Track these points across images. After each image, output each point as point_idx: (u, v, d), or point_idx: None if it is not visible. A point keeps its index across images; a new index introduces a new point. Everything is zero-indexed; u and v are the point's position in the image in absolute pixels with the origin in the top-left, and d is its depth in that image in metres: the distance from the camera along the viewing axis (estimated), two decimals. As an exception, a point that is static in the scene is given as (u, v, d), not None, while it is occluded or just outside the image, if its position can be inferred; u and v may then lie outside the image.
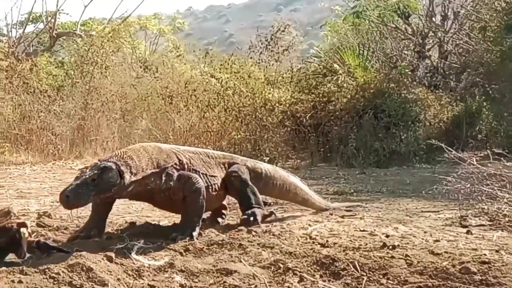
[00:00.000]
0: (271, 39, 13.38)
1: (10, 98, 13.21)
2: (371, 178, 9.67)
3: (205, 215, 5.85)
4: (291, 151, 12.13)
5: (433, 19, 14.17)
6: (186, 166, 5.44)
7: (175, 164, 5.36)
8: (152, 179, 5.17)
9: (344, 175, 10.01)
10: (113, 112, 13.45)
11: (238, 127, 12.24)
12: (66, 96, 13.77)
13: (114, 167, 4.89)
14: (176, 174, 5.30)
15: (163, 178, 5.23)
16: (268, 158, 10.59)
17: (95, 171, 4.82)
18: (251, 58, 13.70)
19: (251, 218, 5.68)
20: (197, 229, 5.22)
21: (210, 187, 5.62)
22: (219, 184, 5.77)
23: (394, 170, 10.55)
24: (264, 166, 6.38)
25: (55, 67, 16.64)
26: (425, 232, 5.61)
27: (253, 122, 12.21)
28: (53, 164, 11.66)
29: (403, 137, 11.35)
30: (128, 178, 4.95)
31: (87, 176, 4.80)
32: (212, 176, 5.70)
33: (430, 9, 14.17)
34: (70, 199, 4.70)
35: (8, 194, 8.22)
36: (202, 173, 5.56)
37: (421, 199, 7.50)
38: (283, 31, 13.48)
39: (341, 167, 10.96)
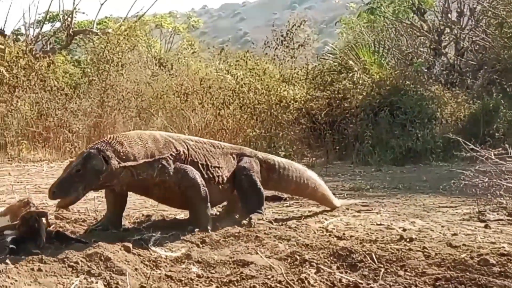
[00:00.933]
0: (287, 34, 13.34)
1: (28, 96, 13.30)
2: (387, 175, 9.62)
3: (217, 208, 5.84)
4: (306, 149, 12.08)
5: (449, 15, 14.04)
6: (183, 157, 5.22)
7: (171, 155, 5.12)
8: (144, 168, 4.94)
9: (360, 172, 9.99)
10: (129, 109, 13.49)
11: (253, 125, 12.23)
12: (83, 94, 13.83)
13: (97, 153, 4.70)
14: (172, 166, 5.08)
15: (156, 169, 5.00)
16: (283, 155, 10.56)
17: (78, 161, 4.69)
18: (266, 54, 13.68)
19: (247, 225, 5.43)
20: (209, 221, 5.14)
21: (212, 179, 5.40)
22: (224, 176, 5.52)
23: (410, 168, 10.49)
24: (277, 158, 6.15)
25: (72, 65, 16.73)
26: (442, 226, 5.58)
27: (268, 120, 12.20)
28: (70, 161, 11.69)
29: (419, 135, 11.24)
30: (115, 163, 4.76)
31: (71, 168, 4.68)
32: (215, 167, 5.45)
33: (446, 5, 14.05)
34: (56, 194, 4.60)
35: (26, 189, 8.27)
36: (202, 164, 5.34)
37: (438, 195, 7.44)
38: (298, 26, 13.43)
39: (356, 165, 10.93)
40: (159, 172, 5.01)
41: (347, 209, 6.53)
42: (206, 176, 5.32)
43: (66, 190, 4.62)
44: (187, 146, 5.32)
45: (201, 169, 5.32)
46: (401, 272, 4.06)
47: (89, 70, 14.84)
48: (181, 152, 5.21)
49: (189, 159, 5.26)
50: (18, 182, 9.03)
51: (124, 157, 4.83)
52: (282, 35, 13.41)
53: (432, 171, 9.91)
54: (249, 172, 5.65)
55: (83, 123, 13.01)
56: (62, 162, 11.45)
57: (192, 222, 5.19)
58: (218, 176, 5.47)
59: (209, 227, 5.05)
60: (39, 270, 3.95)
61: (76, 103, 13.39)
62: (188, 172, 5.12)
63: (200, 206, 5.16)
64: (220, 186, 5.50)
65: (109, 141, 4.86)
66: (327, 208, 6.50)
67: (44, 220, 4.45)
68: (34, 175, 9.98)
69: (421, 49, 14.36)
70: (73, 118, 12.99)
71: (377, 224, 5.65)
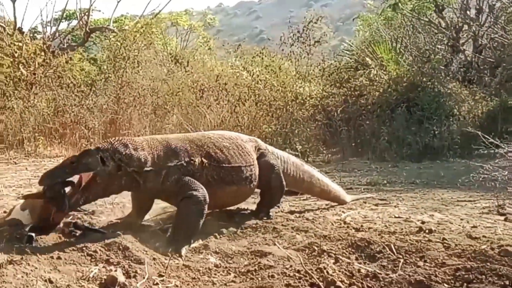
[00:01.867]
0: (303, 30, 13.30)
1: (44, 93, 13.37)
2: (404, 171, 9.52)
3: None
4: (321, 145, 12.02)
5: (468, 12, 13.91)
6: (197, 165, 4.94)
7: (180, 164, 4.86)
8: (149, 176, 4.73)
9: (376, 168, 9.92)
10: (144, 106, 13.51)
11: (269, 121, 12.20)
12: (99, 90, 13.88)
13: (95, 152, 4.54)
14: (176, 176, 4.81)
15: (162, 178, 4.78)
16: (300, 151, 10.54)
17: (77, 154, 4.58)
18: (282, 50, 13.65)
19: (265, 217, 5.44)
20: (188, 245, 4.58)
21: (237, 179, 5.20)
22: (249, 175, 5.32)
23: (427, 164, 10.37)
24: (278, 151, 6.02)
25: (88, 63, 16.80)
26: (461, 219, 5.54)
27: (284, 116, 12.16)
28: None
29: (436, 132, 11.14)
30: (112, 166, 4.57)
31: (67, 159, 4.60)
32: (238, 167, 5.23)
33: (465, 2, 13.92)
34: (44, 180, 4.41)
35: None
36: (222, 166, 5.11)
37: (456, 189, 7.38)
38: (315, 23, 13.38)
39: (373, 161, 10.85)
40: (163, 181, 4.78)
41: (365, 202, 6.50)
42: (229, 177, 5.15)
43: (53, 178, 4.43)
44: (205, 152, 5.06)
45: (222, 171, 5.11)
46: (421, 263, 4.04)
47: (105, 67, 14.88)
48: (196, 161, 4.95)
49: (204, 169, 5.00)
50: (35, 176, 9.05)
51: (126, 161, 4.63)
52: (298, 31, 13.37)
53: (449, 167, 9.80)
54: (278, 170, 5.62)
55: (99, 120, 13.04)
56: (79, 158, 11.49)
57: (170, 238, 4.67)
58: (246, 176, 5.31)
59: (183, 252, 4.45)
60: (59, 258, 4.00)
61: (92, 100, 13.42)
62: (190, 184, 4.79)
63: (187, 225, 4.71)
64: (249, 186, 5.37)
65: (113, 143, 4.67)
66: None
67: (68, 189, 4.44)
68: (51, 170, 10.01)
69: (439, 47, 14.21)
70: (89, 114, 13.03)
71: (395, 217, 5.61)
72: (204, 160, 4.99)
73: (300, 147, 10.20)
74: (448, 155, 10.83)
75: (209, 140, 5.21)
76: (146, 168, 4.71)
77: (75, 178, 4.53)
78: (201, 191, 4.74)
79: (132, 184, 4.72)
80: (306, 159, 10.60)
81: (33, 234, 4.36)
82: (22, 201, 4.79)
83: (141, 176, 4.70)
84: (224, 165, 5.12)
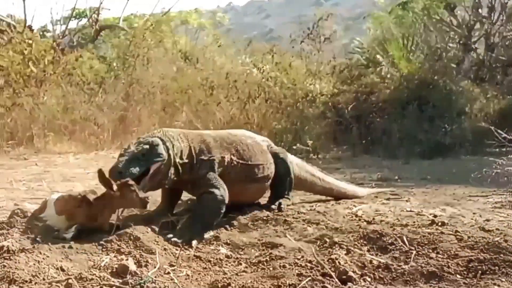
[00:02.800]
0: (313, 27, 13.26)
1: (54, 90, 13.38)
2: (415, 167, 9.50)
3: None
4: (332, 143, 11.99)
5: (480, 10, 13.80)
6: (226, 161, 5.12)
7: (212, 159, 5.01)
8: (185, 168, 4.89)
9: (388, 165, 9.87)
10: (154, 103, 13.51)
11: (279, 118, 12.18)
12: (109, 87, 13.88)
13: (161, 142, 4.72)
14: (205, 170, 4.95)
15: (194, 170, 4.94)
16: (310, 148, 10.55)
17: (143, 146, 4.65)
18: (293, 47, 13.61)
19: (277, 210, 5.44)
20: (199, 238, 4.59)
21: (257, 175, 5.36)
22: (266, 172, 5.47)
23: (439, 161, 10.32)
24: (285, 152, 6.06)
25: (98, 62, 16.79)
26: (474, 213, 5.51)
27: (294, 113, 12.15)
28: (95, 154, 11.76)
29: (448, 129, 11.09)
30: (169, 156, 4.74)
31: (135, 151, 4.63)
32: (258, 164, 5.40)
33: (477, 0, 13.81)
34: (122, 175, 4.49)
35: (54, 178, 8.33)
36: (244, 163, 5.25)
37: (468, 185, 7.29)
38: (325, 20, 13.35)
39: (384, 158, 10.78)
40: (195, 173, 4.94)
41: (376, 197, 6.48)
42: (252, 175, 5.30)
43: (131, 171, 4.54)
44: (234, 150, 5.23)
45: (247, 169, 5.26)
46: (433, 255, 4.02)
47: (115, 64, 14.89)
48: (226, 158, 5.13)
49: (232, 163, 5.17)
50: (45, 171, 9.09)
51: (176, 152, 4.82)
52: (308, 28, 13.33)
53: (461, 164, 9.69)
54: (285, 158, 5.71)
55: (108, 117, 13.03)
56: (88, 155, 11.52)
57: (182, 229, 4.69)
58: (267, 174, 5.47)
59: (193, 243, 4.47)
60: (70, 247, 4.02)
61: (101, 97, 13.43)
62: (214, 181, 4.90)
63: (201, 219, 4.78)
64: (267, 183, 5.54)
65: (166, 134, 4.87)
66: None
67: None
68: (61, 166, 10.04)
69: (450, 45, 14.11)
70: (98, 111, 13.04)
71: (407, 211, 5.60)
72: (232, 157, 5.17)
73: (311, 142, 10.13)
74: (460, 153, 10.77)
75: (237, 138, 5.39)
76: (184, 160, 4.88)
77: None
78: (222, 191, 4.84)
79: (174, 176, 4.84)
80: (316, 156, 10.63)
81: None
82: (55, 195, 4.73)
83: (181, 167, 4.85)
84: (249, 163, 5.29)
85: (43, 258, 3.69)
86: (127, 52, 14.27)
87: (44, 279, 3.36)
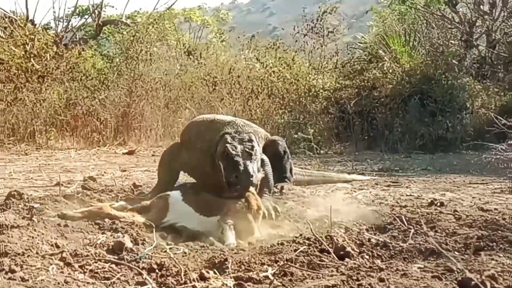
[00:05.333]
0: (317, 20, 13.28)
1: (56, 85, 13.38)
2: (417, 160, 9.57)
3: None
4: (335, 138, 12.01)
5: (481, 6, 13.77)
6: None
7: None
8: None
9: (389, 158, 9.89)
10: (157, 100, 13.51)
11: (282, 113, 12.20)
12: (111, 82, 13.87)
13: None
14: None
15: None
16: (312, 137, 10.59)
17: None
18: (296, 41, 13.64)
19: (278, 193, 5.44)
20: None
21: None
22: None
23: (440, 155, 10.39)
24: None
25: (101, 59, 16.79)
26: (473, 197, 5.56)
27: (297, 109, 12.18)
28: (97, 149, 11.77)
29: (449, 124, 11.12)
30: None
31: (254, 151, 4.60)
32: None
33: (478, -4, 13.81)
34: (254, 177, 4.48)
35: (55, 169, 8.35)
36: None
37: (469, 175, 7.38)
38: (329, 13, 13.37)
39: (385, 152, 10.84)
40: None
41: (376, 184, 6.49)
42: None
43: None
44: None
45: None
46: (431, 233, 4.04)
47: (117, 60, 14.89)
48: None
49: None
50: (45, 164, 9.10)
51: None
52: (312, 21, 13.34)
53: (462, 157, 9.78)
54: (282, 142, 5.78)
55: (111, 113, 13.03)
56: (90, 150, 11.52)
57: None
58: None
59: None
60: (66, 226, 4.03)
61: (104, 93, 13.41)
62: None
63: None
64: None
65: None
66: (356, 184, 6.51)
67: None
68: (63, 160, 10.08)
69: (452, 42, 14.10)
70: (101, 107, 13.04)
71: (407, 195, 5.62)
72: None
73: (312, 130, 10.11)
74: (461, 147, 10.81)
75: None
76: None
77: None
78: None
79: None
80: (319, 151, 10.65)
81: None
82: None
83: None
84: None
85: (38, 235, 3.67)
86: (130, 47, 14.25)
87: (37, 253, 3.33)
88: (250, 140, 4.64)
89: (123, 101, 13.34)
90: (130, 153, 11.11)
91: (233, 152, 4.51)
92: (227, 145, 4.57)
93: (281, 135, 11.26)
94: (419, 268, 3.22)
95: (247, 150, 4.56)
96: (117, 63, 14.61)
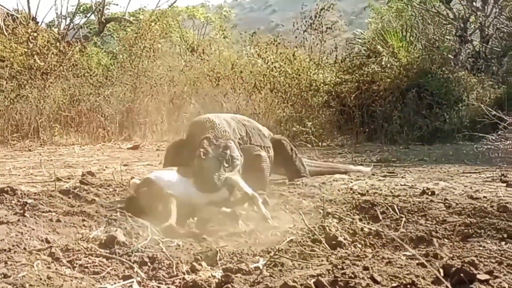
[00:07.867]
0: (315, 17, 13.42)
1: (60, 82, 13.44)
2: (415, 151, 9.87)
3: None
4: (336, 131, 12.21)
5: (474, 3, 14.06)
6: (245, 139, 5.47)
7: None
8: None
9: (388, 150, 10.16)
10: (161, 95, 13.60)
11: (284, 107, 12.36)
12: (115, 78, 13.96)
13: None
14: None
15: None
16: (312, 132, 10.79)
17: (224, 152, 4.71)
18: (296, 37, 13.77)
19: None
20: None
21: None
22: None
23: (437, 146, 10.70)
24: None
25: (105, 56, 16.86)
26: (465, 186, 5.79)
27: (299, 103, 12.38)
28: (102, 145, 11.86)
29: (446, 116, 11.41)
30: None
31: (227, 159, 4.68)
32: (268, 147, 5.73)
33: (471, -7, 14.07)
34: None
35: (56, 165, 8.34)
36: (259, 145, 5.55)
37: (463, 164, 7.64)
38: (327, 10, 13.49)
39: (385, 144, 11.17)
40: None
41: (373, 174, 6.64)
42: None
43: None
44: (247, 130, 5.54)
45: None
46: (422, 221, 4.16)
47: (121, 56, 14.98)
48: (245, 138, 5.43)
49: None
50: (47, 160, 9.14)
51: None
52: (310, 17, 13.49)
53: (459, 149, 10.07)
54: (286, 141, 6.13)
55: (115, 108, 13.11)
56: (94, 146, 11.60)
57: None
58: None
59: None
60: (58, 221, 4.01)
61: (108, 89, 13.48)
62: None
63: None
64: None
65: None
66: (353, 175, 6.70)
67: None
68: (66, 155, 10.12)
69: (447, 37, 14.41)
70: (105, 103, 13.12)
71: (401, 185, 5.82)
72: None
73: (311, 123, 10.24)
74: (458, 138, 11.15)
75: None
76: None
77: None
78: None
79: None
80: (318, 144, 10.86)
81: None
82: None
83: None
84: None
85: (27, 230, 3.65)
86: (134, 43, 14.33)
87: (25, 249, 3.29)
88: (226, 147, 4.70)
89: (128, 97, 13.45)
90: (135, 148, 11.26)
91: (203, 157, 4.61)
92: (201, 149, 4.66)
93: (284, 128, 11.50)
94: (407, 256, 3.25)
95: (220, 157, 4.64)
96: (121, 60, 14.69)
